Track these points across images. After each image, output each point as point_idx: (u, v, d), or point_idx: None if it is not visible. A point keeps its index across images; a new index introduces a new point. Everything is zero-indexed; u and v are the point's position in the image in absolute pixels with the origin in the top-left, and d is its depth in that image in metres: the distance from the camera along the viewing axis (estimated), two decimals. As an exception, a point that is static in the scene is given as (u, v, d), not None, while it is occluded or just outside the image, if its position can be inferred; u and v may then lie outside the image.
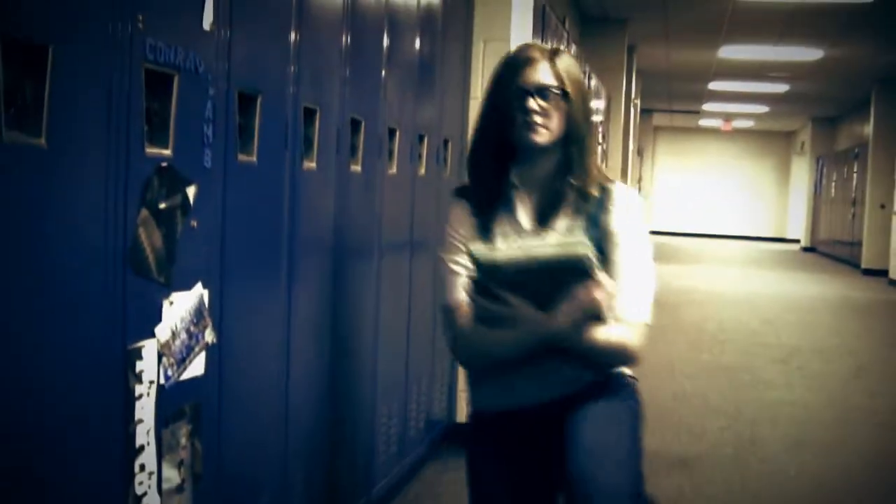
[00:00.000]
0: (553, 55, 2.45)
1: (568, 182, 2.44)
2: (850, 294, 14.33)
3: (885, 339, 9.98)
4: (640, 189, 21.32)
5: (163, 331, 2.07)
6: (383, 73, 3.46)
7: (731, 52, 14.81)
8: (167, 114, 2.07)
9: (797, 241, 26.45)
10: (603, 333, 2.38)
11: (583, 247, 2.37)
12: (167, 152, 2.06)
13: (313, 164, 2.82)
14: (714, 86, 18.87)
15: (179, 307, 2.13)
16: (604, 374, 2.44)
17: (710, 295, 12.76)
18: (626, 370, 2.51)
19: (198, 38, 2.16)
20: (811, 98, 20.32)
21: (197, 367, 2.22)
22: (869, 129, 18.36)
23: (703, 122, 26.82)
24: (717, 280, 15.29)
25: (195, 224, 2.16)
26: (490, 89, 2.48)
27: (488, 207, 2.46)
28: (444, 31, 4.25)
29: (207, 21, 2.18)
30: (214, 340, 2.28)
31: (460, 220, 2.47)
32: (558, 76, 2.41)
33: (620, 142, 13.72)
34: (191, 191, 2.13)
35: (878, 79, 17.13)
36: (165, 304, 2.08)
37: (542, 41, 5.15)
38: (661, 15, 12.60)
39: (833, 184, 22.47)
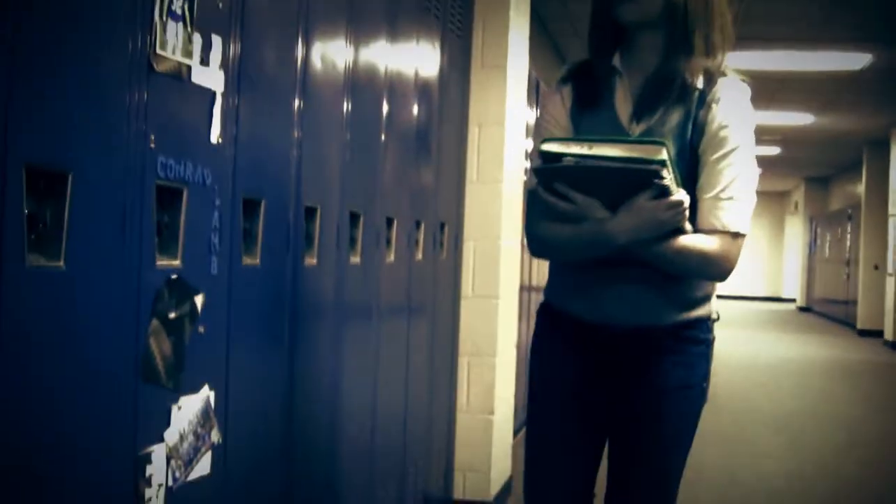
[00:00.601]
0: None
1: (672, 69, 2.25)
2: (846, 356, 14.40)
3: (879, 404, 10.03)
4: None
5: (171, 435, 2.15)
6: (382, 166, 3.57)
7: (723, 117, 14.96)
8: (177, 226, 2.16)
9: (793, 300, 26.55)
10: (678, 242, 2.21)
11: (658, 151, 2.11)
12: (177, 263, 2.15)
13: (314, 261, 2.92)
14: (707, 149, 19.04)
15: (187, 410, 2.22)
16: (688, 315, 2.36)
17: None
18: (712, 311, 2.42)
19: (205, 151, 2.26)
20: (803, 160, 20.52)
21: (203, 466, 2.29)
22: (861, 189, 18.52)
23: (697, 183, 26.99)
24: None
25: (202, 330, 2.25)
26: None
27: (591, 95, 2.34)
28: (440, 119, 4.36)
29: (215, 134, 2.29)
30: (220, 440, 2.36)
31: (556, 106, 2.37)
32: None
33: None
34: (198, 299, 2.22)
35: (868, 141, 17.33)
36: (174, 408, 2.17)
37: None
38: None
39: (827, 244, 22.62)
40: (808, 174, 24.22)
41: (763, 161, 20.89)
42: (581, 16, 9.49)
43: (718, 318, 2.46)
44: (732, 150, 2.25)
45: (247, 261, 2.49)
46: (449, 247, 4.58)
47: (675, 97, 2.25)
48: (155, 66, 2.01)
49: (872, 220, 17.79)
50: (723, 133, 2.24)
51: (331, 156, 3.10)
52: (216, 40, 2.26)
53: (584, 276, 2.36)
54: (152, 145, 2.02)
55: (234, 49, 2.36)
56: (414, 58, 3.95)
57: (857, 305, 18.21)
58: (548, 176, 2.21)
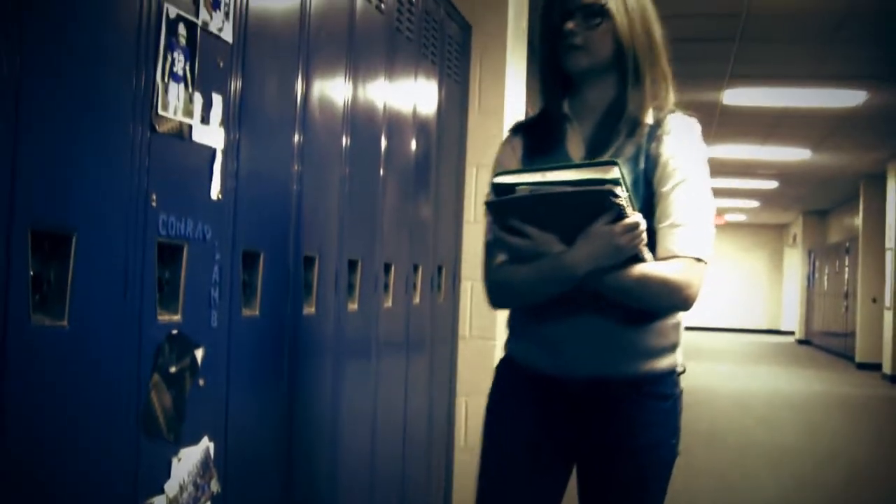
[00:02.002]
0: None
1: (623, 109, 2.28)
2: (844, 390, 14.40)
3: (876, 439, 10.03)
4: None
5: (171, 486, 2.19)
6: (381, 204, 3.62)
7: (721, 152, 15.06)
8: (177, 281, 2.21)
9: (792, 332, 26.54)
10: (637, 269, 2.16)
11: (610, 170, 2.07)
12: (177, 318, 2.20)
13: (312, 309, 2.96)
14: (705, 182, 19.10)
15: (187, 461, 2.25)
16: (652, 367, 2.30)
17: (703, 393, 12.82)
18: (678, 363, 2.37)
19: (206, 207, 2.31)
20: (801, 194, 20.59)
21: (203, 516, 2.33)
22: (859, 222, 18.58)
23: (696, 216, 27.03)
24: (711, 377, 15.34)
25: (202, 383, 2.29)
26: (540, 16, 2.37)
27: (542, 142, 2.35)
28: (438, 159, 4.42)
29: (215, 190, 2.34)
30: (220, 490, 2.40)
31: (507, 155, 2.38)
32: None
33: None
34: (199, 353, 2.27)
35: (865, 175, 17.38)
36: (174, 460, 2.20)
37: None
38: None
39: (825, 277, 22.64)
40: (807, 207, 24.28)
41: (761, 195, 20.96)
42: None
43: (685, 371, 2.42)
44: (684, 180, 2.24)
45: (246, 312, 2.54)
46: (447, 289, 4.63)
47: (626, 134, 2.27)
48: (157, 126, 2.07)
49: (870, 253, 17.82)
50: (673, 164, 2.25)
51: (330, 191, 3.15)
52: (217, 99, 2.31)
53: (544, 323, 2.32)
54: (154, 204, 2.07)
55: (234, 85, 2.42)
56: (412, 97, 4.03)
57: (856, 338, 18.22)
58: (502, 210, 2.17)
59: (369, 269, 3.49)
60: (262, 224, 2.64)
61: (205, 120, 2.26)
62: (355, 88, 3.29)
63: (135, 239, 2.02)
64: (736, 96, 11.02)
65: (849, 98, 10.77)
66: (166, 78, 2.10)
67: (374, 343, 3.61)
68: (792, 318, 27.02)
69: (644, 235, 2.13)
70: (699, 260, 2.23)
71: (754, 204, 23.16)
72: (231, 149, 2.39)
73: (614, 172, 2.07)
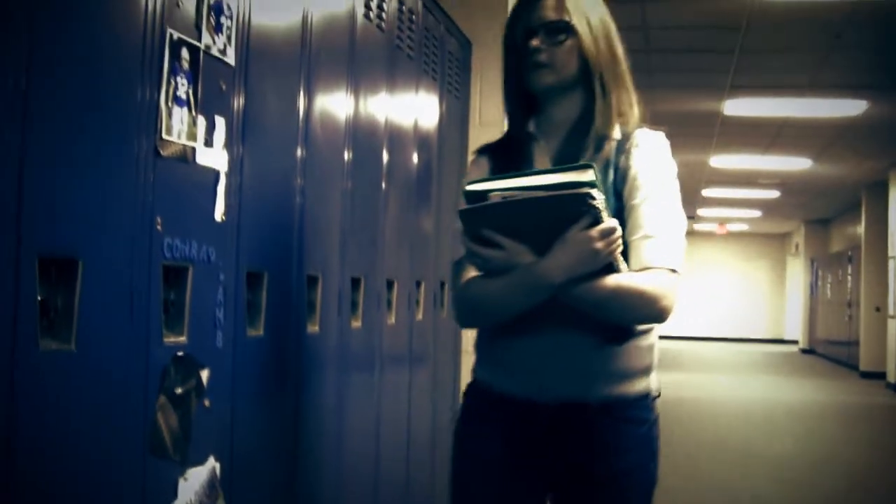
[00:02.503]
0: None
1: (591, 126, 2.25)
2: (848, 399, 14.39)
3: (880, 447, 10.03)
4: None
5: (178, 507, 2.21)
6: (383, 219, 3.64)
7: (722, 162, 15.11)
8: (183, 303, 2.23)
9: (795, 342, 26.53)
10: (611, 280, 2.10)
11: (585, 172, 2.01)
12: (183, 339, 2.22)
13: (316, 328, 2.98)
14: (707, 192, 19.15)
15: (193, 481, 2.27)
16: (626, 390, 2.25)
17: (706, 404, 12.83)
18: (652, 387, 2.32)
19: (210, 229, 2.33)
20: (803, 203, 20.61)
21: (209, 535, 2.35)
22: (861, 231, 18.59)
23: (698, 227, 27.08)
24: (714, 387, 15.35)
25: (208, 403, 2.31)
26: (504, 35, 2.34)
27: (509, 162, 2.29)
28: (439, 172, 4.45)
29: (219, 212, 2.36)
30: (226, 509, 2.42)
31: (475, 177, 2.22)
32: (564, 11, 2.24)
33: (615, 252, 13.86)
34: (204, 374, 2.29)
35: (866, 184, 17.40)
36: (181, 480, 2.22)
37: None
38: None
39: (828, 285, 22.64)
40: (809, 216, 24.29)
41: (763, 204, 20.98)
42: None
43: (660, 395, 2.36)
44: (654, 192, 2.21)
45: (251, 332, 2.56)
46: (449, 304, 4.65)
47: (594, 149, 2.23)
48: (161, 151, 2.09)
49: (873, 261, 17.82)
50: (643, 176, 2.22)
51: (332, 205, 3.17)
52: (220, 121, 2.34)
53: (513, 345, 2.25)
54: (159, 227, 2.10)
55: (237, 105, 2.44)
56: (413, 112, 4.06)
57: (860, 347, 18.22)
58: (474, 219, 2.09)
59: (372, 286, 3.51)
60: (265, 244, 2.66)
61: (208, 143, 2.29)
62: (357, 104, 3.32)
63: (140, 263, 2.05)
64: (737, 107, 11.05)
65: (849, 107, 10.80)
66: (170, 102, 2.12)
67: (377, 360, 3.63)
68: (795, 328, 27.02)
69: (620, 241, 2.08)
70: (673, 271, 2.18)
71: (756, 213, 23.18)
72: (234, 169, 2.41)
73: (590, 175, 2.01)
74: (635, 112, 2.31)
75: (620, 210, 2.21)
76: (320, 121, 3.01)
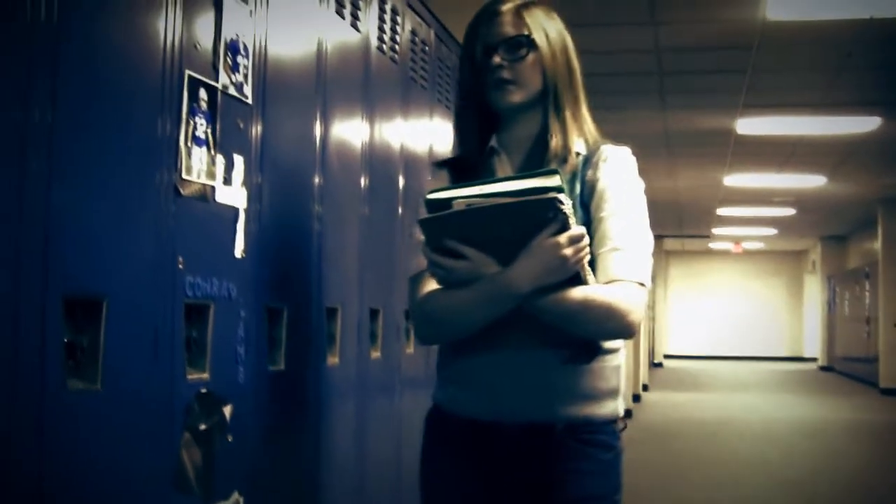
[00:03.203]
0: (522, 6, 2.24)
1: (552, 138, 2.20)
2: (869, 417, 14.32)
3: (903, 466, 10.00)
4: (652, 316, 21.46)
5: (204, 542, 2.23)
6: (399, 255, 3.66)
7: (737, 181, 15.09)
8: (205, 340, 2.26)
9: (814, 359, 26.42)
10: (579, 292, 2.04)
11: (552, 177, 1.95)
12: (205, 375, 2.25)
13: (336, 360, 3.01)
14: (722, 211, 19.12)
15: (218, 516, 2.30)
16: (591, 412, 2.17)
17: (725, 424, 12.78)
18: (619, 412, 2.24)
19: (230, 266, 2.36)
20: (818, 220, 20.56)
21: (234, 570, 2.37)
22: (878, 246, 18.54)
23: (714, 246, 27.05)
24: (734, 407, 15.28)
25: (231, 439, 2.33)
26: (461, 50, 2.30)
27: (470, 175, 2.19)
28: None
29: (239, 249, 2.39)
30: (250, 543, 2.43)
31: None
32: (524, 25, 2.20)
33: (631, 273, 13.85)
34: (227, 409, 2.31)
35: (882, 199, 17.36)
36: (206, 515, 2.25)
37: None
38: (665, 150, 12.91)
39: (846, 302, 22.56)
40: (825, 233, 24.22)
41: (778, 222, 20.93)
42: (590, 91, 9.65)
43: (626, 428, 2.28)
44: (622, 206, 2.16)
45: (272, 367, 2.58)
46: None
47: (558, 163, 2.17)
48: (181, 190, 2.12)
49: (890, 277, 17.77)
50: (611, 190, 2.17)
51: (350, 231, 3.19)
52: (238, 159, 2.37)
53: (474, 364, 2.18)
54: (181, 266, 2.13)
55: (255, 141, 2.48)
56: (428, 139, 4.09)
57: (879, 364, 18.14)
58: (437, 229, 2.02)
59: (391, 317, 3.53)
60: (284, 277, 2.69)
61: (227, 181, 2.32)
62: (372, 131, 3.34)
63: (163, 302, 2.08)
64: (750, 126, 11.05)
65: (862, 124, 10.80)
66: (189, 142, 2.16)
67: (397, 389, 3.65)
68: (814, 345, 26.92)
69: (588, 249, 2.03)
70: (641, 285, 2.12)
71: (772, 231, 23.13)
72: (253, 204, 2.44)
73: (556, 180, 1.95)
74: (593, 128, 2.27)
75: (588, 224, 2.15)
76: (336, 148, 3.04)
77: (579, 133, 2.24)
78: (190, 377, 2.19)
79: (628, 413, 13.12)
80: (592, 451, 2.20)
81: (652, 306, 21.20)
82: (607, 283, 2.10)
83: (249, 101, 2.44)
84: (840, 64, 8.51)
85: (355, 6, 3.18)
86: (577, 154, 2.22)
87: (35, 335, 1.70)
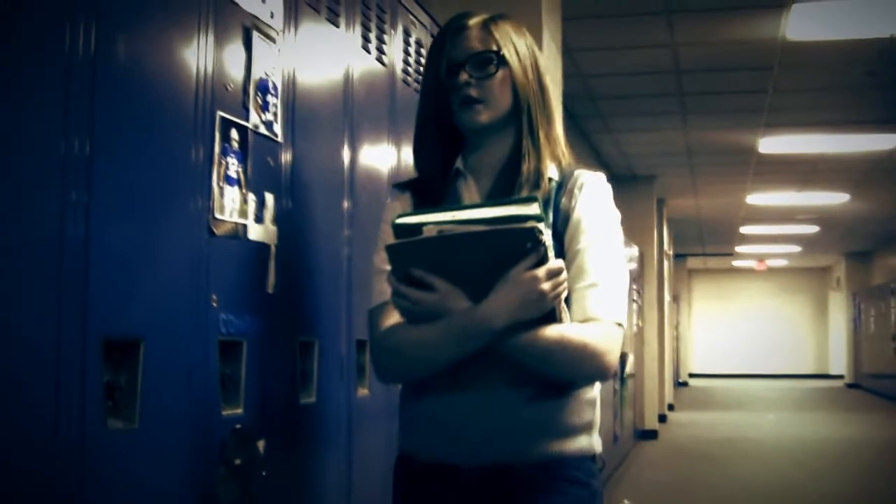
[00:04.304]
0: (490, 20, 2.11)
1: (524, 161, 2.08)
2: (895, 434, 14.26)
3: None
4: (676, 335, 21.40)
5: (240, 576, 2.26)
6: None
7: (759, 199, 15.10)
8: (238, 376, 2.29)
9: (840, 376, 26.30)
10: (555, 330, 1.92)
11: (530, 206, 1.83)
12: (239, 411, 2.28)
13: (366, 391, 3.03)
14: (745, 230, 19.13)
15: (253, 550, 2.32)
16: (563, 448, 2.04)
17: (751, 443, 12.73)
18: (595, 448, 2.11)
19: (262, 301, 2.39)
20: (842, 236, 20.52)
21: None
22: (902, 263, 18.49)
23: (737, 263, 27.00)
24: (760, 426, 15.24)
25: (266, 473, 2.36)
26: (424, 67, 2.17)
27: (432, 201, 2.08)
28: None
29: (270, 284, 2.42)
30: (285, 576, 2.46)
31: (396, 214, 1.96)
32: (492, 40, 2.07)
33: (655, 292, 13.91)
34: (261, 444, 2.34)
35: (906, 216, 17.34)
36: (242, 550, 2.27)
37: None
38: (688, 170, 12.92)
39: (872, 318, 22.48)
40: (849, 249, 24.17)
41: (802, 239, 20.90)
42: (611, 112, 9.72)
43: (604, 466, 2.16)
44: (600, 239, 2.04)
45: (304, 400, 2.61)
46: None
47: (529, 188, 2.06)
48: (214, 230, 2.16)
49: (916, 293, 17.72)
50: (588, 220, 2.04)
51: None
52: (269, 197, 2.41)
53: (437, 403, 2.05)
54: (214, 304, 2.16)
55: (286, 165, 2.51)
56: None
57: (907, 380, 18.07)
58: (404, 256, 1.88)
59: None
60: (315, 311, 2.72)
61: (259, 219, 2.35)
62: (399, 155, 3.36)
63: (198, 340, 2.11)
64: (771, 145, 11.08)
65: (884, 142, 10.81)
66: (222, 182, 2.19)
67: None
68: (840, 362, 26.79)
69: (566, 284, 1.92)
70: (619, 325, 2.00)
71: (795, 249, 23.09)
72: (283, 240, 2.47)
73: (535, 208, 1.82)
74: (567, 151, 2.15)
75: (560, 253, 2.03)
76: (365, 172, 3.07)
77: (553, 156, 2.12)
78: (224, 413, 2.22)
79: (653, 434, 13.10)
80: (566, 487, 2.05)
81: (676, 325, 21.16)
82: (584, 321, 1.98)
83: (279, 138, 2.47)
84: (861, 82, 8.53)
85: (381, 40, 3.22)
86: (550, 179, 2.09)
87: (77, 376, 1.73)
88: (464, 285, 1.90)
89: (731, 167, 12.65)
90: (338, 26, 2.89)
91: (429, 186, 2.15)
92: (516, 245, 1.84)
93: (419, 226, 1.85)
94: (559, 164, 2.13)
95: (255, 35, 2.35)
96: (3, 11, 1.61)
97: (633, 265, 11.70)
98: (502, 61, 2.07)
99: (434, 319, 1.92)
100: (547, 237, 1.85)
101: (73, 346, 1.73)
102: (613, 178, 13.18)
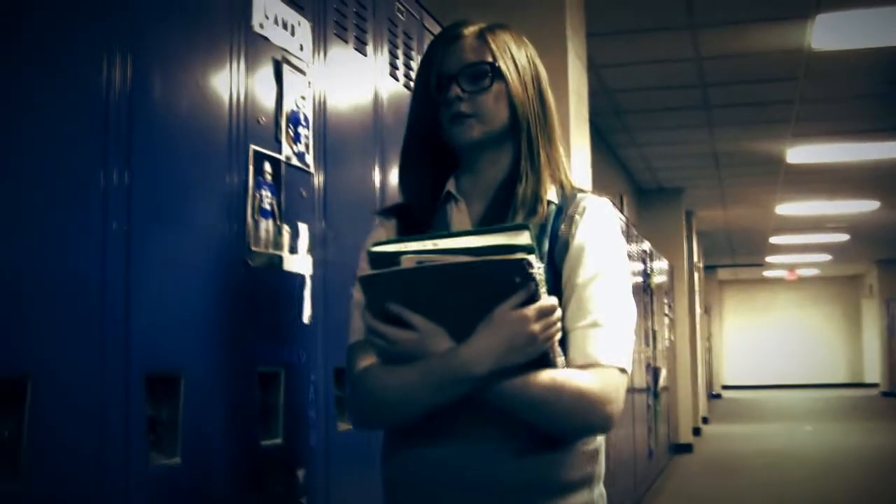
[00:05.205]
0: (487, 29, 1.92)
1: (521, 183, 1.88)
2: (934, 443, 14.15)
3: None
4: (709, 347, 21.31)
5: None
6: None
7: (788, 209, 15.04)
8: (277, 405, 2.31)
9: (875, 385, 26.11)
10: (547, 377, 1.70)
11: (520, 235, 1.62)
12: (279, 441, 2.29)
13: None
14: (775, 240, 19.05)
15: (296, 579, 2.34)
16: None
17: (789, 456, 12.65)
18: (597, 502, 1.87)
19: (299, 331, 2.41)
20: (873, 244, 20.41)
21: None
22: (936, 269, 18.37)
23: (768, 274, 26.88)
24: (795, 438, 15.12)
25: (304, 501, 2.38)
26: (415, 79, 1.99)
27: (419, 228, 1.89)
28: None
29: (306, 315, 2.44)
30: None
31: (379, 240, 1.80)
32: (487, 51, 1.89)
33: (686, 305, 13.87)
34: (300, 473, 2.36)
35: (938, 222, 17.23)
36: (284, 579, 2.29)
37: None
38: (716, 181, 12.90)
39: (905, 326, 22.34)
40: (881, 256, 24.02)
41: (832, 248, 20.79)
42: (637, 126, 9.73)
43: None
44: (604, 273, 1.82)
45: (341, 427, 2.63)
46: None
47: (526, 213, 1.85)
48: (250, 262, 2.18)
49: (950, 300, 17.59)
50: (591, 251, 1.83)
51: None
52: (302, 227, 2.43)
53: (414, 458, 1.84)
54: (252, 336, 2.18)
55: (318, 193, 2.53)
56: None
57: (944, 387, 17.93)
58: (379, 289, 1.70)
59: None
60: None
61: (293, 249, 2.38)
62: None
63: (237, 373, 2.13)
64: (799, 155, 11.05)
65: (914, 148, 10.77)
66: (256, 215, 2.22)
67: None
68: (874, 370, 26.61)
69: (559, 325, 1.70)
70: (622, 371, 1.78)
71: (826, 257, 22.97)
72: (318, 269, 2.49)
73: (525, 238, 1.62)
74: (570, 174, 1.96)
75: (557, 287, 1.82)
76: (395, 194, 3.08)
77: (553, 179, 1.92)
78: (264, 443, 2.24)
79: (688, 447, 13.04)
80: None
81: (708, 337, 21.07)
82: (583, 366, 1.76)
83: (311, 169, 2.50)
84: (887, 90, 8.51)
85: (408, 66, 3.24)
86: (550, 203, 1.89)
87: (120, 413, 1.75)
88: (447, 323, 1.70)
89: (760, 178, 12.62)
90: (365, 55, 2.91)
91: (417, 212, 1.96)
92: (503, 279, 1.64)
93: (396, 255, 1.66)
94: (561, 187, 1.93)
95: (286, 68, 2.38)
96: (47, 48, 1.64)
97: (664, 278, 11.67)
98: (498, 74, 1.88)
99: (413, 360, 1.71)
100: (539, 270, 1.64)
101: (116, 383, 1.75)
102: (641, 192, 13.21)
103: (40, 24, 1.63)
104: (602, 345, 1.77)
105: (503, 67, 1.88)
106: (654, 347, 10.19)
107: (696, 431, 14.75)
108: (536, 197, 1.87)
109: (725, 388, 26.85)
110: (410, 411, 1.76)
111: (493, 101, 1.88)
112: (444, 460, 1.80)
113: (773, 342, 28.91)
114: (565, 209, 1.88)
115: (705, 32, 7.06)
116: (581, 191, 1.93)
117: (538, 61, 1.98)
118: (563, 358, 1.75)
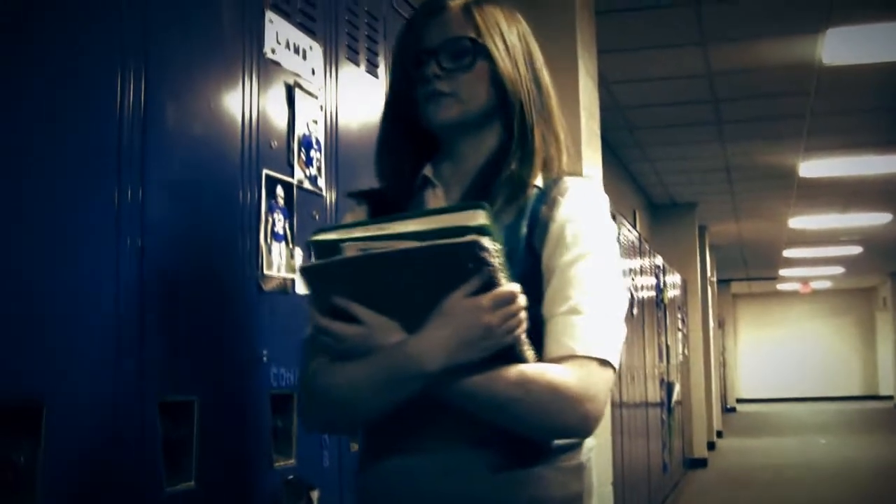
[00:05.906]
0: (473, 3, 1.74)
1: (503, 167, 1.70)
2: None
3: None
4: (723, 360, 21.27)
5: None
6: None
7: (801, 223, 15.02)
8: (289, 428, 2.32)
9: (890, 397, 26.01)
10: (515, 372, 1.51)
11: (475, 216, 1.44)
12: (292, 462, 2.31)
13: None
14: (788, 253, 19.02)
15: None
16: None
17: (804, 469, 12.60)
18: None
19: (311, 353, 2.42)
20: (886, 256, 20.36)
21: None
22: (950, 281, 18.32)
23: (782, 287, 26.82)
24: (810, 451, 15.07)
25: (319, 522, 2.39)
26: (393, 52, 1.83)
27: (394, 210, 1.64)
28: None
29: (318, 336, 2.45)
30: None
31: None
32: (472, 26, 1.71)
33: (700, 319, 13.86)
34: (315, 494, 2.37)
35: (952, 232, 17.18)
36: None
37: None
38: (729, 196, 12.90)
39: (920, 338, 22.27)
40: (894, 269, 23.96)
41: (845, 260, 20.74)
42: (650, 142, 9.74)
43: None
44: (588, 254, 1.63)
45: (354, 447, 2.63)
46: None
47: (505, 198, 1.67)
48: (263, 286, 2.20)
49: (964, 312, 17.54)
50: (573, 230, 1.64)
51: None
52: (315, 250, 2.44)
53: (381, 471, 1.68)
54: (265, 359, 2.20)
55: (330, 200, 2.52)
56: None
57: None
58: (322, 281, 1.54)
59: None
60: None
61: (306, 272, 2.39)
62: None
63: (250, 395, 2.15)
64: (812, 168, 11.04)
65: (926, 161, 10.75)
66: (269, 239, 2.23)
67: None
68: (889, 383, 26.51)
69: (524, 316, 1.50)
70: (605, 363, 1.57)
71: (839, 270, 22.91)
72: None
73: (480, 218, 1.45)
74: (564, 159, 1.77)
75: (536, 273, 1.63)
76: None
77: (547, 165, 1.75)
78: (277, 464, 2.25)
79: (703, 462, 13.01)
80: None
81: (722, 351, 21.03)
82: (559, 358, 1.56)
83: (323, 192, 2.52)
84: (898, 104, 8.51)
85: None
86: (534, 187, 1.72)
87: (135, 440, 1.77)
88: (400, 316, 1.53)
89: (773, 191, 12.62)
90: (377, 76, 2.93)
91: (391, 197, 1.79)
92: (454, 265, 1.47)
93: (338, 242, 1.50)
94: (550, 172, 1.75)
95: (298, 92, 2.40)
96: (63, 69, 1.66)
97: (677, 293, 11.67)
98: (482, 52, 1.71)
99: (362, 356, 1.53)
100: (495, 255, 1.45)
101: (132, 410, 1.76)
102: (654, 207, 13.22)
103: (58, 46, 1.65)
104: (581, 333, 1.56)
105: (490, 45, 1.71)
106: (668, 362, 10.18)
107: (711, 446, 14.71)
108: (522, 182, 1.69)
109: (740, 401, 26.78)
110: (360, 412, 1.60)
111: (473, 80, 1.71)
112: (417, 473, 1.62)
113: (787, 355, 28.82)
114: (547, 192, 1.70)
115: (716, 48, 7.07)
116: (570, 175, 1.75)
117: (531, 40, 1.81)
118: (533, 351, 1.55)
